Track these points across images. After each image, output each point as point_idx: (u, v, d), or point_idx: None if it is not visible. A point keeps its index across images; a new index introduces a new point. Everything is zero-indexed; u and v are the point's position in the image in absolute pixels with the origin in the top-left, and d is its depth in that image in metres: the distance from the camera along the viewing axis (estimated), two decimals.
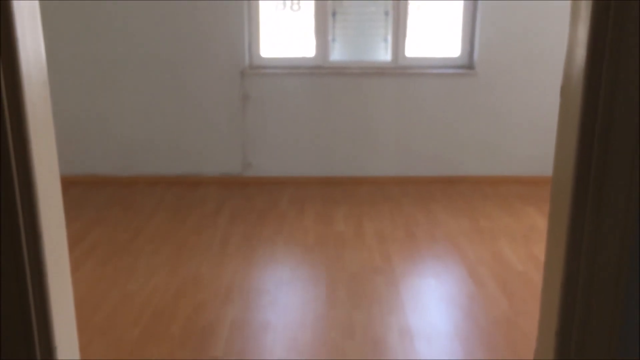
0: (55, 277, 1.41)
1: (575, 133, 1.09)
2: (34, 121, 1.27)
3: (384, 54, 5.18)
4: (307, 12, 5.10)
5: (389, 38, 5.09)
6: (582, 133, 1.09)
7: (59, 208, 1.47)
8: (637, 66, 1.03)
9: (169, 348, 3.40)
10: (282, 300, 3.62)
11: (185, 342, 3.43)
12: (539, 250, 3.44)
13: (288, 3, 5.16)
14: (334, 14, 5.07)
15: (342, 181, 5.20)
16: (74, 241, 3.80)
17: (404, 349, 3.81)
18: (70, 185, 4.96)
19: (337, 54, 5.18)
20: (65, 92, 5.00)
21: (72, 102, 5.05)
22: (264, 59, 5.11)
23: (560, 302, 1.22)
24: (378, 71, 5.04)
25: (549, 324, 1.31)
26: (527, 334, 3.19)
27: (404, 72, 5.03)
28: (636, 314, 1.19)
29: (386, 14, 5.08)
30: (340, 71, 5.04)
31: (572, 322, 1.21)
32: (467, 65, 5.12)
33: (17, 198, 1.26)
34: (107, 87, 5.03)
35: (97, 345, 3.22)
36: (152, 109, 5.08)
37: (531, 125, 5.10)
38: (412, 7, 5.06)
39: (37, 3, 1.29)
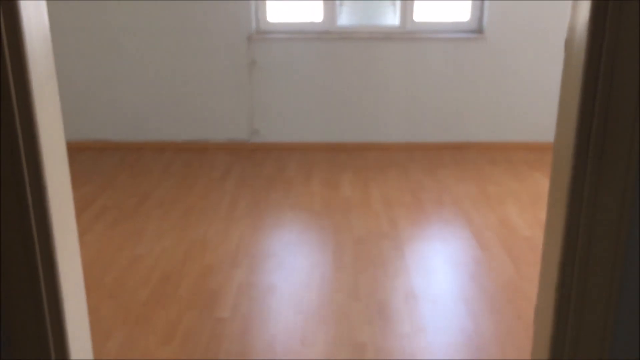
0: (62, 242, 1.42)
1: (578, 86, 1.08)
2: (36, 78, 1.27)
3: (392, 19, 5.12)
4: None
5: (398, 2, 5.02)
6: (585, 86, 1.08)
7: (65, 171, 1.48)
8: None
9: (177, 310, 3.45)
10: (289, 263, 3.66)
11: (193, 304, 3.48)
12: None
13: None
14: None
15: (349, 147, 5.19)
16: (83, 205, 3.85)
17: (409, 311, 3.85)
18: (79, 150, 4.99)
19: (345, 19, 5.13)
20: (72, 59, 4.99)
21: (80, 68, 5.04)
22: (270, 23, 5.07)
23: (560, 258, 1.22)
24: (386, 36, 4.99)
25: (549, 280, 1.32)
26: (532, 298, 3.20)
27: (413, 37, 4.98)
28: (635, 271, 1.19)
29: None
30: (348, 36, 4.99)
31: (571, 276, 1.21)
32: (476, 29, 5.05)
33: (22, 162, 1.27)
34: (114, 54, 5.01)
35: (106, 307, 3.27)
36: (159, 74, 5.07)
37: (540, 91, 5.05)
38: None
39: None
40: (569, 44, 1.12)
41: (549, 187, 1.41)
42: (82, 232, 3.44)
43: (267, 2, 5.02)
